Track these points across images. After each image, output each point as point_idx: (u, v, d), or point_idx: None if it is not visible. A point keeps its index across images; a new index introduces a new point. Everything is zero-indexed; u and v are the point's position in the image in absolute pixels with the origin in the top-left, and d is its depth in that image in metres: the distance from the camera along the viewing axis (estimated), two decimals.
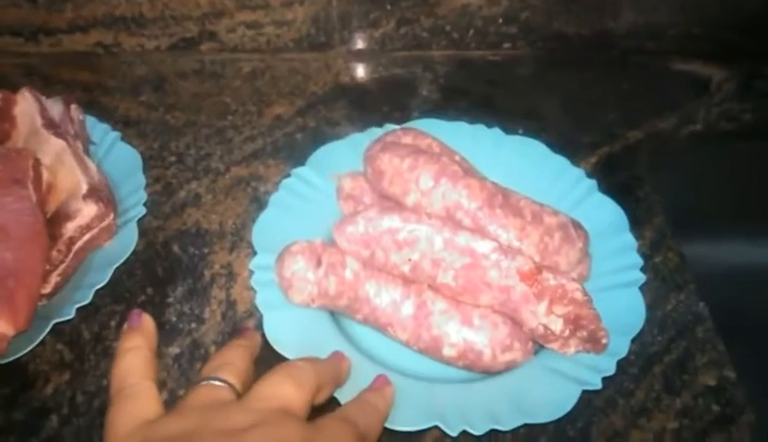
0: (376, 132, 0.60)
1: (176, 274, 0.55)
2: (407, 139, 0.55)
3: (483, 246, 0.46)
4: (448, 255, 0.46)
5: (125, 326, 0.40)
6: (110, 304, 0.52)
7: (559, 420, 0.42)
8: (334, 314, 0.50)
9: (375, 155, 0.53)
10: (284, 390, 0.36)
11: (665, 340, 0.51)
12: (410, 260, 0.47)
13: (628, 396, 0.48)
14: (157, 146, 0.65)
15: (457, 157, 0.54)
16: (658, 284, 0.54)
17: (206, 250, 0.57)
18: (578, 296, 0.45)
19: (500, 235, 0.48)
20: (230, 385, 0.37)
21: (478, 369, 0.46)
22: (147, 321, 0.40)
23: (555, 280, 0.45)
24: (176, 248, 0.57)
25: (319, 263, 0.47)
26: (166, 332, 0.51)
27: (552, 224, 0.49)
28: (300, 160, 0.61)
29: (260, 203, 0.60)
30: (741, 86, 0.74)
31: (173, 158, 0.65)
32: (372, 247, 0.48)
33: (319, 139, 0.65)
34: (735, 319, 0.53)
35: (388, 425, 0.42)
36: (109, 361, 0.49)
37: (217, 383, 0.37)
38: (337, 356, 0.44)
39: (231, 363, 0.38)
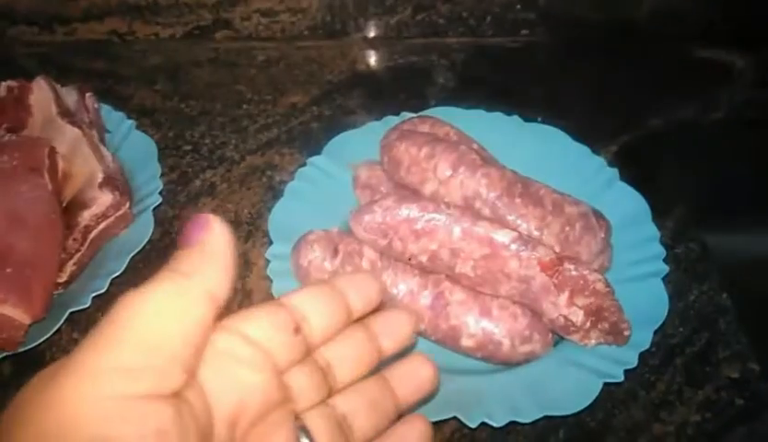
0: (392, 120, 0.59)
1: None
2: (424, 127, 0.55)
3: (503, 236, 0.45)
4: (466, 245, 0.45)
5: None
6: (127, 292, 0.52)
7: (579, 412, 0.42)
8: None
9: (392, 143, 0.53)
10: None
11: (687, 331, 0.50)
12: (429, 250, 0.46)
13: (649, 388, 0.47)
14: (172, 135, 0.65)
15: (475, 146, 0.54)
16: (680, 275, 0.53)
17: None
18: (600, 287, 0.44)
19: (520, 224, 0.48)
20: None
21: (497, 360, 0.46)
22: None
23: (576, 271, 0.44)
24: None
25: (335, 253, 0.47)
26: None
27: (572, 213, 0.48)
28: (316, 149, 0.60)
29: (275, 193, 0.60)
30: (765, 72, 0.72)
31: (188, 147, 0.64)
32: (390, 236, 0.47)
33: (334, 128, 0.65)
34: (759, 310, 0.52)
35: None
36: None
37: None
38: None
39: None
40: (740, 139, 0.66)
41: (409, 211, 0.47)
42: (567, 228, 0.48)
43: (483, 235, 0.45)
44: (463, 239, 0.46)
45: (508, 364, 0.46)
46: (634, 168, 0.59)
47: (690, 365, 0.48)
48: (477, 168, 0.49)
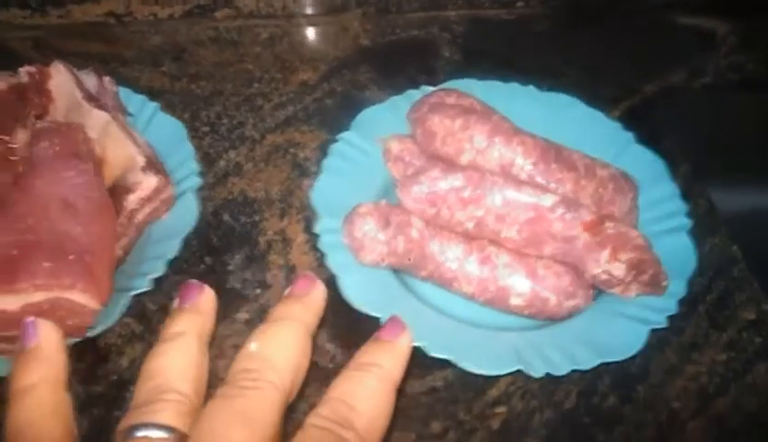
0: (413, 94, 0.60)
1: (231, 243, 0.55)
2: (450, 100, 0.56)
3: (547, 200, 0.48)
4: (512, 210, 0.48)
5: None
6: (171, 275, 0.52)
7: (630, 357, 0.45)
8: (396, 271, 0.51)
9: (424, 116, 0.54)
10: (233, 438, 0.25)
11: (705, 281, 0.54)
12: (475, 217, 0.48)
13: (679, 333, 0.51)
14: (187, 117, 0.65)
15: (500, 116, 0.56)
16: (693, 230, 0.57)
17: (257, 218, 0.57)
18: (640, 242, 0.47)
19: (556, 189, 0.50)
20: (172, 429, 0.26)
21: (543, 316, 0.49)
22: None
23: (617, 228, 0.47)
24: (227, 217, 0.57)
25: (387, 224, 0.48)
26: (232, 299, 0.52)
27: (604, 176, 0.51)
28: (334, 125, 0.62)
29: (302, 169, 0.61)
30: (744, 38, 0.77)
31: (206, 128, 0.64)
32: (438, 205, 0.49)
33: (349, 103, 0.66)
34: (765, 258, 0.56)
35: (472, 369, 0.44)
36: None
37: (155, 435, 0.26)
38: (303, 290, 0.31)
39: (169, 383, 0.27)
40: (728, 101, 0.71)
41: (455, 180, 0.49)
42: (600, 190, 0.51)
43: (528, 200, 0.48)
44: (508, 205, 0.48)
45: (554, 319, 0.49)
46: (637, 132, 0.63)
47: (711, 310, 0.53)
48: (512, 137, 0.51)
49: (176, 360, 0.28)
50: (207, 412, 0.26)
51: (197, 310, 0.30)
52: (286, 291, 0.32)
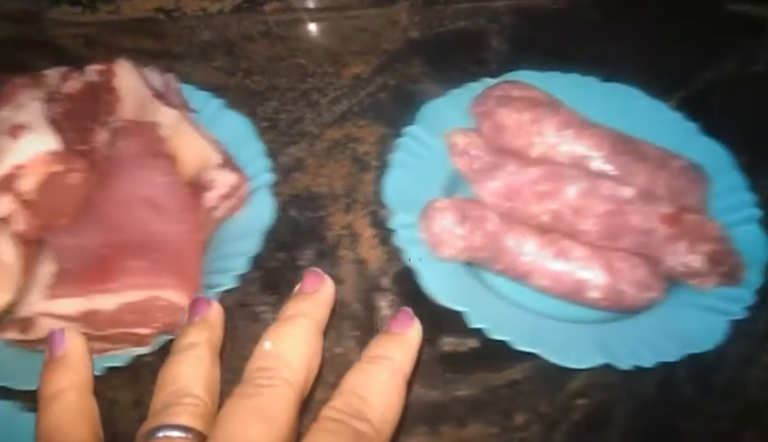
0: (474, 87, 0.60)
1: (300, 239, 0.56)
2: (516, 92, 0.57)
3: (625, 192, 0.48)
4: (589, 202, 0.48)
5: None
6: (247, 271, 0.52)
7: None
8: (468, 264, 0.51)
9: (491, 110, 0.55)
10: (251, 435, 0.26)
11: None
12: (551, 210, 0.49)
13: (752, 323, 0.51)
14: (246, 112, 0.64)
15: (567, 108, 0.56)
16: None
17: (323, 213, 0.58)
18: (718, 233, 0.48)
19: (629, 181, 0.51)
20: (190, 430, 0.27)
21: (619, 309, 0.49)
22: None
23: (694, 220, 0.48)
24: (294, 212, 0.57)
25: (464, 218, 0.49)
26: None
27: (676, 166, 0.52)
28: (390, 119, 0.62)
29: (362, 164, 0.61)
30: None
31: (266, 124, 0.64)
32: (513, 199, 0.49)
33: (403, 97, 0.66)
34: None
35: (561, 363, 0.44)
36: (258, 326, 0.51)
37: (174, 434, 0.27)
38: (313, 287, 0.32)
39: (186, 389, 0.28)
40: None
41: (531, 174, 0.49)
42: (674, 181, 0.51)
43: (606, 192, 0.48)
44: (585, 197, 0.48)
45: (630, 311, 0.49)
46: (696, 122, 0.63)
47: None
48: (582, 129, 0.52)
49: (190, 368, 0.29)
50: (225, 410, 0.27)
51: (206, 323, 0.31)
52: (296, 288, 0.33)
